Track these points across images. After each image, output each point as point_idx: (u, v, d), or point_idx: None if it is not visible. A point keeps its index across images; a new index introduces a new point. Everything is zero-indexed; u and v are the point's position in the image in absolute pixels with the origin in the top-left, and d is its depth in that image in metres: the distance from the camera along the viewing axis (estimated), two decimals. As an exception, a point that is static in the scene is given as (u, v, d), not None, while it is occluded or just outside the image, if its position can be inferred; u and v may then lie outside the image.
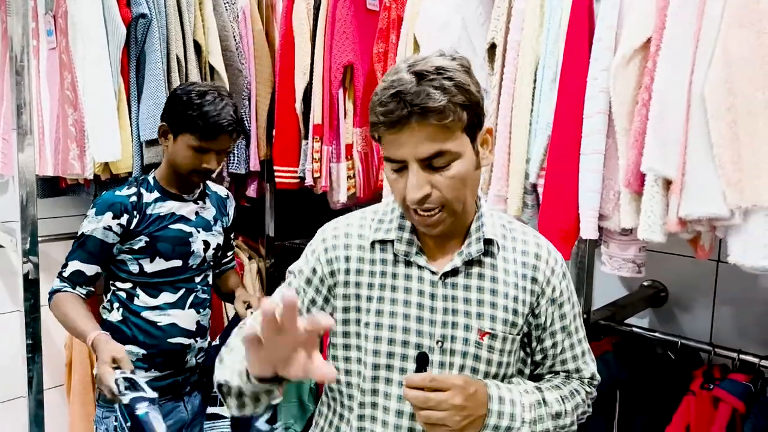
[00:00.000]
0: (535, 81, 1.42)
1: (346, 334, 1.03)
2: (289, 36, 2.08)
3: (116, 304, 1.64)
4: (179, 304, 1.65)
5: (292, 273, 1.08)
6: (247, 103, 2.19)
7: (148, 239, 1.60)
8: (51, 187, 2.06)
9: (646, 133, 1.16)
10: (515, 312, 1.01)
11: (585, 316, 1.45)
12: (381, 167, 1.87)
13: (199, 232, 1.69)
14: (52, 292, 1.58)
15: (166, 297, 1.64)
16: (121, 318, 1.62)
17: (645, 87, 1.19)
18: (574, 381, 1.08)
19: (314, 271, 1.04)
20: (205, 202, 1.73)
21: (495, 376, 1.01)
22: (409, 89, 0.86)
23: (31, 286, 1.74)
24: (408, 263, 1.00)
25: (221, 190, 1.83)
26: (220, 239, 1.76)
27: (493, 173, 1.48)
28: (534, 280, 1.02)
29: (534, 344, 1.06)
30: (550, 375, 1.09)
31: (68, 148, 1.82)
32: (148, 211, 1.61)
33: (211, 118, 1.52)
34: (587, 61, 1.32)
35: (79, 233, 1.58)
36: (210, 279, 1.77)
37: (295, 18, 2.06)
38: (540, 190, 1.41)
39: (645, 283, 1.82)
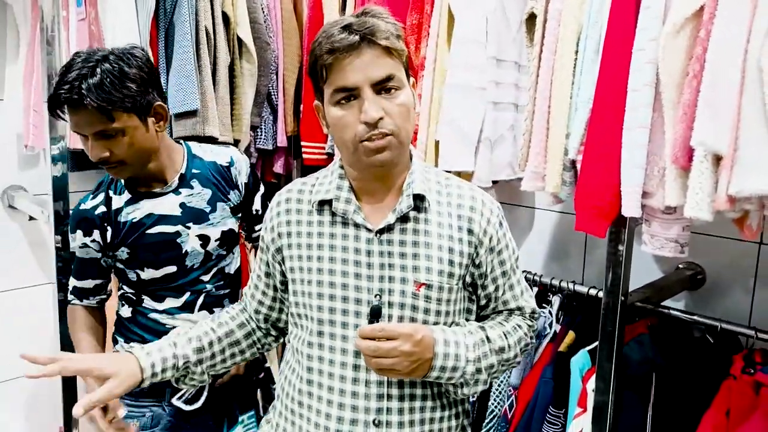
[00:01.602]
0: (576, 52, 1.36)
1: (294, 293, 1.12)
2: (318, 8, 2.04)
3: (125, 302, 1.51)
4: (187, 309, 1.46)
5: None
6: (275, 77, 2.16)
7: (129, 250, 1.39)
8: (83, 160, 2.06)
9: (697, 106, 1.10)
10: (451, 263, 1.07)
11: (623, 297, 1.41)
12: (413, 141, 1.83)
13: (189, 227, 1.41)
14: (68, 302, 1.52)
15: (172, 302, 1.45)
16: (130, 315, 1.49)
17: (696, 58, 1.12)
18: (516, 317, 1.17)
19: (266, 237, 1.17)
20: (191, 187, 1.42)
21: (435, 324, 1.06)
22: (356, 21, 0.97)
23: (62, 258, 1.75)
24: (345, 223, 1.07)
25: (220, 157, 1.48)
26: (231, 223, 1.48)
27: (531, 149, 1.43)
28: (470, 231, 1.09)
29: (479, 292, 1.14)
30: (494, 315, 1.17)
31: (98, 120, 1.81)
32: (121, 219, 1.38)
33: (57, 90, 1.22)
34: (633, 31, 1.26)
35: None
36: (231, 266, 1.54)
37: (325, -10, 2.02)
38: (578, 166, 1.37)
39: (681, 265, 1.77)
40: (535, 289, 1.85)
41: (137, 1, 1.80)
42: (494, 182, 1.78)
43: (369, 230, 1.06)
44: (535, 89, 1.43)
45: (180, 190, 1.42)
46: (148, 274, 1.43)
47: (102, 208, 1.39)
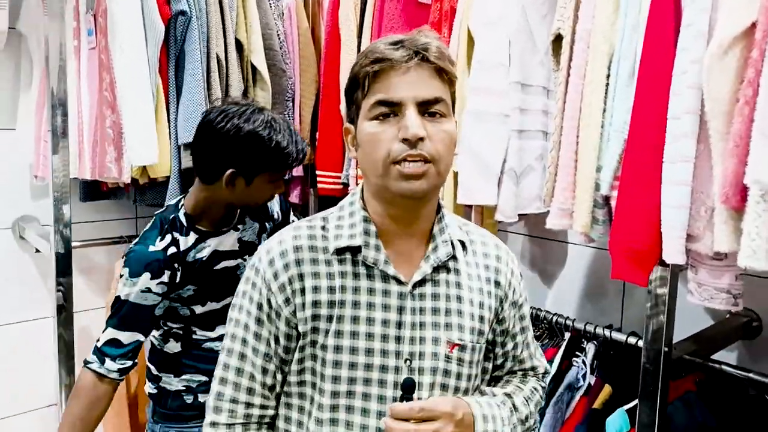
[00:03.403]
0: (608, 76, 1.22)
1: (301, 361, 0.92)
2: (335, 33, 1.96)
3: (171, 339, 1.47)
4: None
5: (235, 320, 0.94)
6: (291, 104, 2.08)
7: (195, 287, 1.42)
8: (93, 190, 2.02)
9: (751, 137, 0.95)
10: (481, 319, 0.96)
11: (666, 349, 1.24)
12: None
13: (245, 259, 1.50)
14: (84, 363, 1.36)
15: (222, 330, 1.46)
16: (180, 349, 1.47)
17: (749, 81, 0.97)
18: (531, 379, 1.07)
19: (273, 302, 0.91)
20: (245, 224, 1.52)
21: (465, 392, 0.95)
22: (408, 38, 0.87)
23: (62, 290, 1.69)
24: (370, 275, 0.91)
25: None
26: None
27: (557, 183, 1.29)
28: (497, 283, 0.99)
29: (497, 350, 1.03)
30: (509, 375, 1.06)
31: (105, 150, 1.76)
32: (190, 259, 1.40)
33: (290, 152, 1.36)
34: (673, 52, 1.11)
35: (115, 296, 1.36)
36: None
37: (342, 13, 1.94)
38: (613, 203, 1.21)
39: (733, 312, 1.58)
40: (567, 334, 1.68)
41: (147, 29, 1.75)
42: (520, 216, 1.63)
43: (401, 283, 0.91)
44: (561, 117, 1.29)
45: (238, 226, 1.49)
46: (207, 307, 1.45)
47: (173, 249, 1.37)
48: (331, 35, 1.97)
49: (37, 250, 2.02)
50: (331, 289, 0.90)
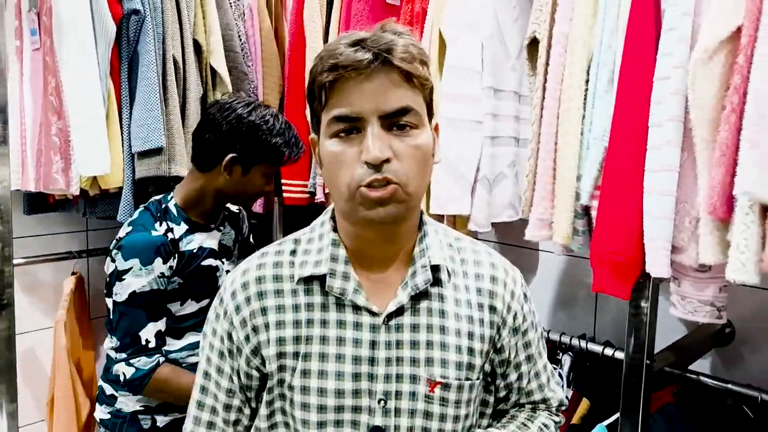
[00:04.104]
0: (587, 82, 1.18)
1: (270, 403, 0.83)
2: (300, 35, 1.88)
3: None
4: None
5: (202, 350, 0.88)
6: (253, 109, 1.98)
7: (181, 281, 1.38)
8: (38, 202, 1.87)
9: (740, 146, 0.91)
10: (471, 351, 0.83)
11: (648, 361, 1.21)
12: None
13: (224, 263, 1.48)
14: (148, 373, 1.30)
15: (192, 338, 1.42)
16: None
17: (735, 88, 0.94)
18: (541, 414, 0.93)
19: (234, 337, 0.83)
20: (225, 227, 1.52)
21: None
22: (370, 36, 0.74)
23: (2, 309, 1.54)
24: (340, 306, 0.81)
25: (233, 206, 1.60)
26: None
27: (536, 193, 1.24)
28: (492, 309, 0.85)
29: (498, 381, 0.90)
30: (515, 409, 0.93)
31: (51, 160, 1.62)
32: (181, 248, 1.38)
33: (288, 146, 1.40)
34: (654, 57, 1.08)
35: (127, 294, 1.29)
36: None
37: (307, 15, 1.86)
38: (593, 213, 1.17)
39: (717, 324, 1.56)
40: (542, 346, 1.64)
41: (96, 29, 1.63)
42: (491, 223, 1.59)
43: (374, 314, 0.81)
44: (539, 124, 1.25)
45: (221, 227, 1.49)
46: (185, 308, 1.41)
47: (170, 235, 1.37)
48: (296, 36, 1.89)
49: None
50: (297, 323, 0.81)
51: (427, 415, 0.81)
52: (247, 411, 0.85)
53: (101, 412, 1.43)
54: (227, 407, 0.84)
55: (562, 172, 1.20)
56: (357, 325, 0.81)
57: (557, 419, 0.96)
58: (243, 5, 1.97)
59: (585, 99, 1.19)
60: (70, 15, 1.62)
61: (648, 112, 1.07)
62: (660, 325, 1.42)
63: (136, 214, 1.39)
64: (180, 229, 1.39)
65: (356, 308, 0.81)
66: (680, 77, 1.01)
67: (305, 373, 0.80)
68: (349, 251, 0.83)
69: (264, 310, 0.82)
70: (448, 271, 0.84)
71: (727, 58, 0.97)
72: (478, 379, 0.84)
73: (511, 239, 1.97)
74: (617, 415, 1.29)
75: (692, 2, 1.01)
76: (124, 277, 1.29)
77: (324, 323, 0.81)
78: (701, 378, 1.32)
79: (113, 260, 1.31)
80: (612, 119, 1.13)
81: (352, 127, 0.74)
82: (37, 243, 1.96)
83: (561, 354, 1.60)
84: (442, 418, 0.81)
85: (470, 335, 0.83)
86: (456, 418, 0.82)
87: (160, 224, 1.36)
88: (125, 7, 1.66)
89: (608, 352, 1.48)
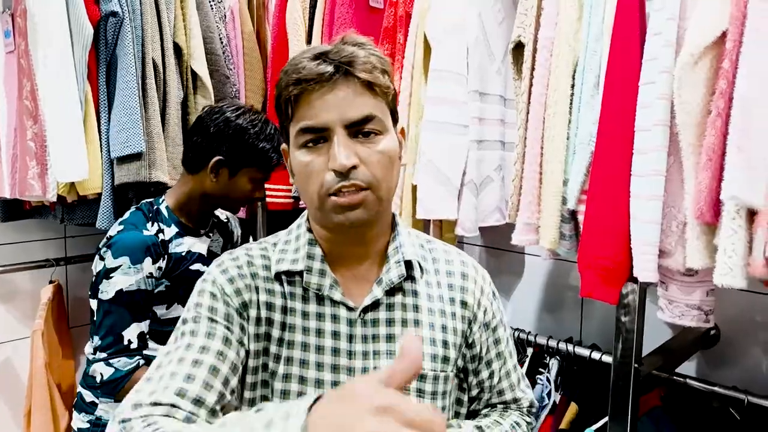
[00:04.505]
0: (573, 86, 1.18)
1: (254, 387, 0.85)
2: (283, 38, 1.85)
3: None
4: None
5: (193, 320, 0.82)
6: (236, 113, 1.95)
7: (169, 284, 1.38)
8: (14, 209, 1.82)
9: (726, 151, 0.91)
10: (445, 344, 0.88)
11: (636, 365, 1.20)
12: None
13: None
14: (127, 374, 1.26)
15: None
16: None
17: (720, 93, 0.94)
18: (513, 413, 0.97)
19: (232, 303, 0.82)
20: (214, 234, 1.53)
21: None
22: (331, 49, 0.78)
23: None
24: (320, 299, 0.85)
25: (221, 214, 1.60)
26: None
27: (522, 197, 1.23)
28: (464, 303, 0.90)
29: (471, 378, 0.93)
30: (487, 409, 0.97)
31: (27, 166, 1.58)
32: (171, 250, 1.38)
33: (274, 152, 1.40)
34: (639, 61, 1.08)
35: (114, 292, 1.27)
36: None
37: (289, 18, 1.83)
38: (580, 218, 1.17)
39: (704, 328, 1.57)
40: (530, 350, 1.64)
41: (72, 31, 1.59)
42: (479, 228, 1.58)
43: (350, 309, 0.84)
44: (525, 128, 1.24)
45: (210, 234, 1.49)
46: (171, 311, 1.40)
47: (161, 236, 1.36)
48: (278, 40, 1.86)
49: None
50: (284, 310, 0.84)
51: None
52: (234, 380, 0.80)
53: (79, 421, 1.39)
54: (210, 380, 0.77)
55: (549, 177, 1.19)
56: (334, 318, 0.84)
57: (528, 419, 0.98)
58: (224, 8, 1.94)
59: (571, 103, 1.18)
60: (45, 16, 1.57)
61: (634, 116, 1.07)
62: (646, 327, 1.42)
63: (127, 214, 1.39)
64: (170, 231, 1.39)
65: (333, 303, 0.84)
66: (666, 82, 1.00)
67: (289, 361, 0.82)
68: (326, 252, 0.86)
69: (257, 289, 0.84)
70: (420, 267, 0.88)
71: (712, 63, 0.97)
72: (452, 371, 0.88)
73: (497, 243, 1.96)
74: (606, 419, 1.28)
75: (677, 7, 1.01)
76: (112, 275, 1.27)
77: (304, 315, 0.84)
78: (688, 381, 1.32)
79: (102, 258, 1.29)
80: (598, 123, 1.12)
81: (319, 137, 0.78)
82: (13, 251, 1.91)
83: (548, 358, 1.60)
84: None
85: (443, 328, 0.87)
86: None
87: (152, 225, 1.36)
88: (103, 9, 1.62)
89: (595, 355, 1.47)
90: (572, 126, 1.18)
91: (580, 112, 1.16)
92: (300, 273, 0.85)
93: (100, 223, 1.62)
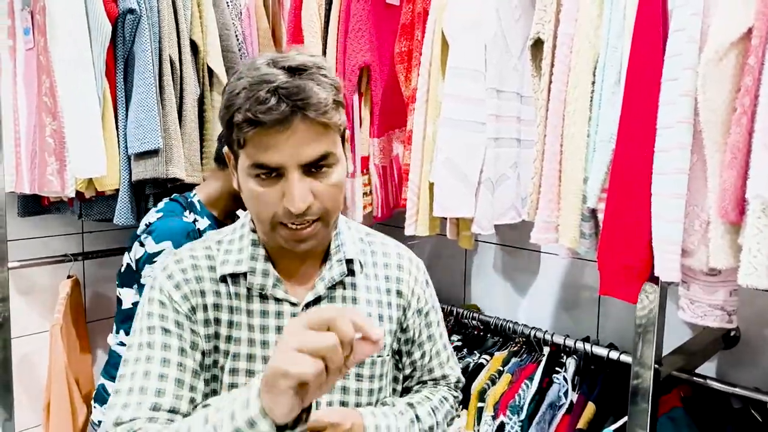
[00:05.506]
0: (593, 83, 1.16)
1: (207, 382, 0.89)
2: (298, 35, 1.85)
3: None
4: None
5: (148, 330, 0.85)
6: (251, 110, 1.95)
7: None
8: (33, 204, 1.84)
9: (751, 149, 0.90)
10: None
11: (656, 366, 1.19)
12: (404, 183, 1.62)
13: None
14: None
15: None
16: None
17: (746, 90, 0.92)
18: (442, 388, 1.06)
19: (181, 308, 0.86)
20: None
21: (368, 405, 0.94)
22: (287, 83, 0.76)
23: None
24: (263, 297, 0.90)
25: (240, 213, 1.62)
26: None
27: (542, 195, 1.22)
28: (399, 293, 0.98)
29: (404, 359, 1.02)
30: (419, 385, 1.06)
31: (46, 162, 1.59)
32: None
33: None
34: (661, 58, 1.06)
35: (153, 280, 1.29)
36: None
37: (305, 15, 1.83)
38: (600, 216, 1.15)
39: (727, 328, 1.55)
40: (546, 349, 1.62)
41: (91, 28, 1.60)
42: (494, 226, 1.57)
43: (294, 304, 0.90)
44: (544, 125, 1.23)
45: None
46: None
47: (197, 225, 1.38)
48: (294, 37, 1.86)
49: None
50: (231, 309, 0.88)
51: (344, 390, 0.91)
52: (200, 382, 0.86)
53: (100, 414, 1.39)
54: (179, 386, 0.83)
55: (569, 175, 1.18)
56: (278, 315, 0.89)
57: (456, 394, 1.07)
58: (240, 5, 1.94)
59: (591, 100, 1.17)
60: (64, 14, 1.58)
61: (656, 114, 1.05)
62: (665, 326, 1.41)
63: (162, 203, 1.42)
64: (204, 222, 1.42)
65: (277, 300, 0.89)
66: (690, 79, 0.99)
67: (236, 356, 0.87)
68: (268, 250, 0.91)
69: (203, 293, 0.88)
70: (360, 263, 0.94)
71: (737, 60, 0.95)
72: (387, 355, 0.96)
73: (513, 241, 1.95)
74: (625, 419, 1.27)
75: (701, 2, 0.99)
76: (155, 259, 1.29)
77: (249, 313, 0.88)
78: (708, 381, 1.30)
79: (142, 245, 1.30)
80: (619, 121, 1.11)
81: (273, 171, 0.79)
82: (32, 246, 1.93)
83: (565, 357, 1.59)
84: (358, 392, 0.92)
85: (380, 317, 0.95)
86: (370, 392, 0.93)
87: (188, 213, 1.41)
88: (120, 6, 1.63)
89: (614, 355, 1.46)
90: (592, 123, 1.16)
91: (601, 109, 1.15)
92: (244, 274, 0.89)
93: (118, 219, 1.63)
